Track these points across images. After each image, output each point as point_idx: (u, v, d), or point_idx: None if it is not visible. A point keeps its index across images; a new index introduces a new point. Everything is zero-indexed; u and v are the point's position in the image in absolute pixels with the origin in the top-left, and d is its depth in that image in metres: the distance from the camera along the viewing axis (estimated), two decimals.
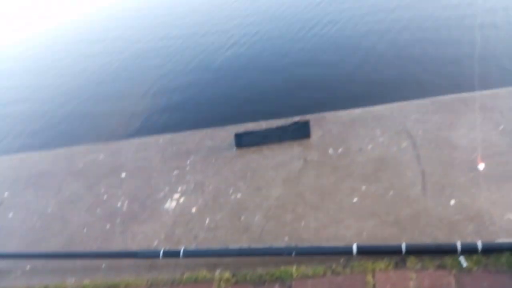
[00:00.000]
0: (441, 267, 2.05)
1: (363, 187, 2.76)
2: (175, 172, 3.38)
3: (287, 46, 6.62)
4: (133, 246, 2.76)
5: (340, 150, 3.17)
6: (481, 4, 6.12)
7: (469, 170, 2.64)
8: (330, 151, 3.18)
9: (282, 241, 2.50)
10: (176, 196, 3.13)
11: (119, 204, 3.23)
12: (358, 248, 2.23)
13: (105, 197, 3.36)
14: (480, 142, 2.81)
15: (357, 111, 3.58)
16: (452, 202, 2.46)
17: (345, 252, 2.26)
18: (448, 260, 2.06)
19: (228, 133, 3.62)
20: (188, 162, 3.45)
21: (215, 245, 2.59)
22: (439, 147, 2.92)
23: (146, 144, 3.90)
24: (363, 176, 2.86)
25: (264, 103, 5.03)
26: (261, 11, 8.37)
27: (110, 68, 7.64)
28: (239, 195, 2.97)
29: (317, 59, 5.98)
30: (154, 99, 6.05)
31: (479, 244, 2.04)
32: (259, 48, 6.77)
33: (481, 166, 2.63)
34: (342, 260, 2.23)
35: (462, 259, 2.05)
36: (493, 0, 6.31)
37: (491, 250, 2.05)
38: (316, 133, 3.40)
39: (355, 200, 2.69)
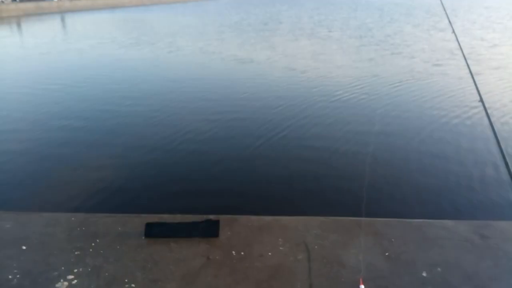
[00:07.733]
0: None
1: None
2: (76, 252, 3.33)
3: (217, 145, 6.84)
4: None
5: (242, 253, 3.31)
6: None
7: None
8: (234, 253, 3.32)
9: None
10: (70, 277, 3.05)
11: (10, 277, 3.08)
12: None
13: None
14: (366, 265, 3.08)
15: (267, 219, 3.81)
16: None
17: None
18: None
19: (141, 220, 3.69)
20: (92, 244, 3.43)
21: None
22: (330, 263, 3.15)
23: (57, 220, 3.85)
24: (257, 282, 2.98)
25: (184, 197, 5.12)
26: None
27: None
28: (133, 286, 2.96)
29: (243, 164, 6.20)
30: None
31: None
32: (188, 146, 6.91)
33: (362, 287, 2.85)
34: None
35: None
36: None
37: None
38: (225, 233, 3.55)
39: None
